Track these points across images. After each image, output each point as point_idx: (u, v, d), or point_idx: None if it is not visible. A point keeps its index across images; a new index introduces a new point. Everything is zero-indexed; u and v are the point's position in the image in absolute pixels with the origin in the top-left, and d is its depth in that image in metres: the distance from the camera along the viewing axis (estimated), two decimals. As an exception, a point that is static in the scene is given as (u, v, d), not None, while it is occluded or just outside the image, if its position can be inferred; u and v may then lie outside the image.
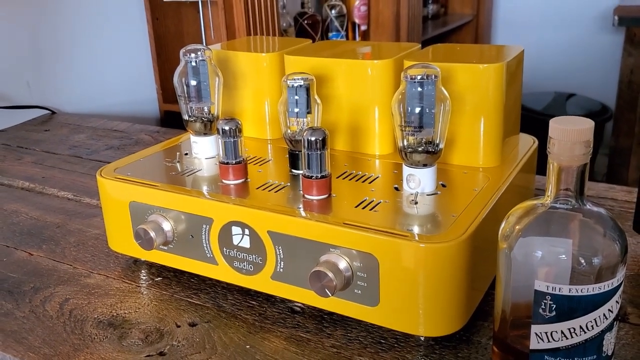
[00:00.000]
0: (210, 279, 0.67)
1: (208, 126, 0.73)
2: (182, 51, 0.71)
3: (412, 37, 2.33)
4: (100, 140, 1.19)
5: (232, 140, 0.64)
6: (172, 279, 0.69)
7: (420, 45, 0.74)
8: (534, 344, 0.44)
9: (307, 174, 0.60)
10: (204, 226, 0.62)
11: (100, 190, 0.70)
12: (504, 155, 0.67)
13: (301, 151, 0.66)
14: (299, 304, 0.63)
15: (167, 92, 1.63)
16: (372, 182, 0.64)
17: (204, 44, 1.65)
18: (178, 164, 0.72)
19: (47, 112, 1.39)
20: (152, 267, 0.71)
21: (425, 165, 0.60)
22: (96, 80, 1.52)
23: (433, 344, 0.56)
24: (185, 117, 0.73)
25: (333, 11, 2.11)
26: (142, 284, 0.68)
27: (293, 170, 0.67)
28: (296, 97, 0.65)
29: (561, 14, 3.03)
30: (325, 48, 0.79)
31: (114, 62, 1.55)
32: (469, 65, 0.63)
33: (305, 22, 1.99)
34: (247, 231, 0.59)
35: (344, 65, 0.70)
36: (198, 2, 1.58)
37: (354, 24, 2.23)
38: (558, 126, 0.41)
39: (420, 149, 0.60)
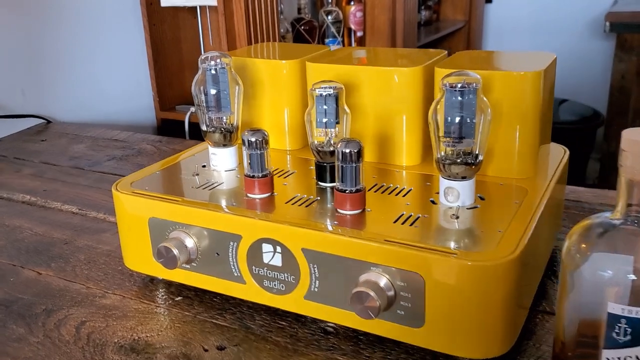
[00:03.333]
0: (235, 298, 0.64)
1: (228, 137, 0.70)
2: (200, 58, 0.68)
3: (407, 43, 2.32)
4: (100, 151, 1.15)
5: (258, 152, 0.61)
6: (193, 298, 0.65)
7: (446, 52, 0.72)
8: (605, 369, 0.41)
9: (340, 187, 0.57)
10: (232, 243, 0.59)
11: (116, 205, 0.66)
12: (538, 165, 0.65)
13: (328, 163, 0.63)
14: (332, 324, 0.59)
15: (164, 99, 1.59)
16: (405, 195, 0.61)
17: (202, 51, 1.62)
18: (197, 177, 0.68)
19: (42, 121, 1.35)
20: (170, 285, 0.68)
21: (464, 178, 0.57)
22: (92, 87, 1.47)
23: (479, 366, 0.53)
24: (204, 127, 0.70)
25: (329, 17, 2.09)
26: (161, 304, 0.65)
27: (320, 183, 0.64)
28: (325, 107, 0.62)
29: (552, 20, 3.04)
30: (345, 55, 0.76)
31: (110, 70, 1.51)
32: (506, 73, 0.61)
33: (302, 27, 1.97)
34: (279, 249, 0.56)
35: (371, 72, 0.67)
36: (196, 7, 1.54)
37: (349, 29, 2.21)
38: (633, 138, 0.39)
39: (459, 160, 0.57)
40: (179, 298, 0.65)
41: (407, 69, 0.66)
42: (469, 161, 0.57)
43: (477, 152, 0.57)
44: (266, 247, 0.57)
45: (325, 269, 0.55)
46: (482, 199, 0.59)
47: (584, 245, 0.42)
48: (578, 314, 0.43)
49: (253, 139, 0.61)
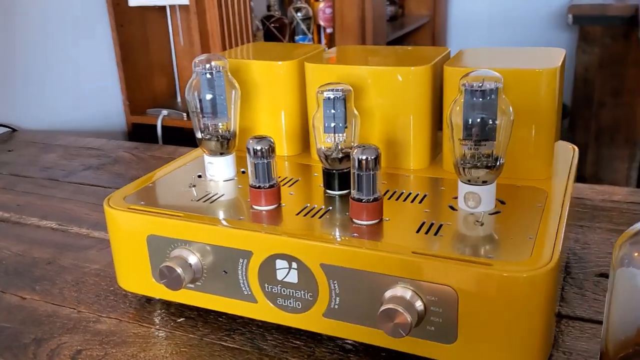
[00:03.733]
0: (242, 317, 0.60)
1: (225, 145, 0.65)
2: (194, 61, 0.64)
3: (377, 39, 2.29)
4: (74, 160, 1.09)
5: (264, 161, 0.57)
6: (196, 319, 0.61)
7: (449, 50, 0.69)
8: (667, 385, 0.39)
9: (356, 196, 0.54)
10: (241, 260, 0.55)
11: (109, 222, 0.61)
12: (553, 165, 0.63)
13: (338, 170, 0.60)
14: (350, 342, 0.56)
15: (134, 103, 1.53)
16: (421, 201, 0.58)
17: (173, 51, 1.56)
18: (194, 189, 0.64)
19: (7, 129, 1.27)
20: (169, 305, 0.63)
21: (484, 182, 0.55)
22: (58, 93, 1.40)
23: (512, 380, 0.50)
24: (199, 135, 0.66)
25: (299, 14, 2.05)
26: (163, 327, 0.60)
27: (329, 191, 0.61)
28: (333, 111, 0.59)
29: (516, 13, 3.06)
30: (343, 55, 0.73)
31: (77, 73, 1.44)
32: (522, 70, 0.58)
33: (273, 25, 1.92)
34: (294, 265, 0.53)
35: (375, 73, 0.64)
36: (166, 7, 1.49)
37: (319, 26, 2.17)
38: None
39: (479, 164, 0.54)
40: (181, 319, 0.61)
41: (414, 68, 0.63)
42: (490, 164, 0.54)
43: (498, 155, 0.54)
44: (280, 264, 0.53)
45: (347, 285, 0.51)
46: (502, 203, 0.57)
47: (636, 254, 0.40)
48: (630, 325, 0.41)
49: (259, 147, 0.57)
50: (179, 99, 1.58)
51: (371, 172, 0.53)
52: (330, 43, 2.18)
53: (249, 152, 0.57)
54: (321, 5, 2.13)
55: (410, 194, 0.60)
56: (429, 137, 0.65)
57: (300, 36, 2.09)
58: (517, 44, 3.06)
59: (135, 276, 0.61)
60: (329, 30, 2.18)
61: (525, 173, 0.61)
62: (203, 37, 1.35)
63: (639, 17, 2.38)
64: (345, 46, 0.77)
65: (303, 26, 2.06)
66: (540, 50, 0.67)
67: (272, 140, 0.58)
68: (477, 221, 0.53)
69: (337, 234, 0.53)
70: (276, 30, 1.95)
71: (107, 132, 1.51)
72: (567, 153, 0.68)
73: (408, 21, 2.95)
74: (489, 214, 0.55)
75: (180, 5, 1.46)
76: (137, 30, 1.51)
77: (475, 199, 0.55)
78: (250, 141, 0.57)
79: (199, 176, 0.67)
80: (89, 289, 0.67)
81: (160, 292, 0.60)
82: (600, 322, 0.57)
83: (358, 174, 0.53)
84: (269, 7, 1.97)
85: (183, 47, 1.53)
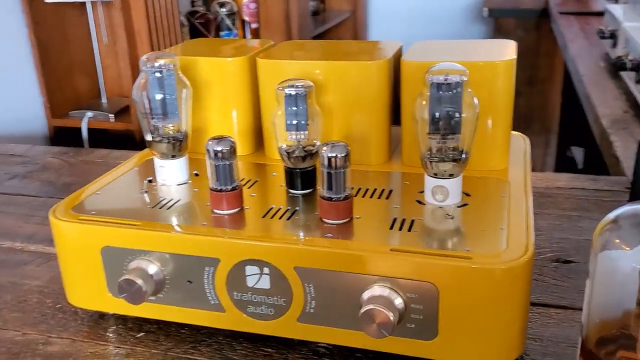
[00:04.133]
0: (206, 327, 0.57)
1: (177, 147, 0.62)
2: (142, 60, 0.60)
3: (303, 34, 2.28)
4: (-4, 168, 1.01)
5: (226, 163, 0.55)
6: (157, 332, 0.57)
7: (401, 44, 0.69)
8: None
9: (326, 195, 0.52)
10: (207, 268, 0.52)
11: (56, 235, 0.57)
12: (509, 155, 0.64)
13: (301, 169, 0.58)
14: (323, 345, 0.55)
15: (55, 105, 1.44)
16: (388, 197, 0.57)
17: (96, 50, 1.49)
18: (146, 195, 0.60)
19: None
20: (125, 320, 0.59)
21: (451, 175, 0.55)
22: (-30, 97, 1.30)
23: (490, 372, 0.51)
24: (149, 137, 0.62)
25: (223, 9, 2.00)
26: (122, 343, 0.56)
27: (292, 191, 0.59)
28: (295, 108, 0.57)
29: (434, 7, 3.14)
30: (294, 50, 0.71)
31: (-10, 75, 1.34)
32: (479, 63, 0.59)
33: (198, 21, 1.87)
34: (266, 270, 0.50)
35: (334, 67, 0.63)
36: (85, 3, 1.41)
37: (244, 21, 2.14)
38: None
39: (446, 157, 0.54)
40: (141, 334, 0.57)
41: (374, 62, 0.62)
42: (456, 157, 0.54)
43: (464, 148, 0.54)
44: (251, 270, 0.51)
45: (323, 288, 0.49)
46: (467, 195, 0.57)
47: (617, 241, 0.40)
48: (610, 308, 0.42)
49: (219, 148, 0.54)
50: (104, 100, 1.51)
51: (341, 170, 0.52)
52: (256, 38, 2.15)
53: (208, 154, 0.55)
54: (245, 0, 2.09)
55: (375, 190, 0.59)
56: (388, 132, 0.65)
57: (226, 32, 2.04)
58: (435, 37, 3.13)
59: (88, 291, 0.57)
60: (254, 26, 2.15)
61: (484, 164, 0.62)
62: (129, 34, 1.29)
63: (549, 9, 2.49)
64: (291, 41, 0.75)
65: (228, 22, 2.02)
66: (491, 42, 0.67)
67: (232, 140, 0.55)
68: (448, 214, 0.53)
69: (310, 235, 0.51)
70: (201, 26, 1.90)
71: (27, 137, 1.41)
72: (519, 143, 0.69)
73: (330, 16, 2.96)
74: (458, 207, 0.54)
75: (102, 2, 1.39)
76: (55, 28, 1.42)
77: (444, 192, 0.55)
78: (210, 142, 0.55)
79: (149, 181, 0.63)
80: (33, 308, 0.62)
81: (117, 306, 0.56)
82: (565, 307, 0.58)
83: (328, 172, 0.52)
84: (192, 3, 1.91)
85: (106, 45, 1.46)
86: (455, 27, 3.12)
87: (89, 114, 1.42)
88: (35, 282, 0.67)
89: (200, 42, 0.78)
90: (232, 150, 0.55)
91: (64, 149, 1.09)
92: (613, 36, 1.41)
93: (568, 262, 0.66)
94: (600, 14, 2.12)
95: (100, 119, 1.43)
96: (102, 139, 1.46)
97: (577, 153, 1.86)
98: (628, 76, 1.21)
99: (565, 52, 1.74)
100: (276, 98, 0.58)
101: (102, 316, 0.60)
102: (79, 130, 1.43)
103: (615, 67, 1.22)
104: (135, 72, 1.33)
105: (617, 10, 1.51)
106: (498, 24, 2.93)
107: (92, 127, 1.43)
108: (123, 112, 1.46)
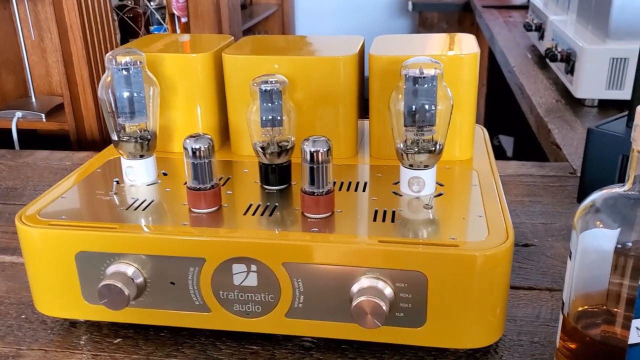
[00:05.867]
0: (186, 328, 0.56)
1: (145, 146, 0.60)
2: (108, 56, 0.58)
3: (233, 28, 2.26)
4: None
5: (204, 161, 0.54)
6: (135, 337, 0.56)
7: (363, 38, 0.70)
8: (634, 338, 0.43)
9: (308, 190, 0.53)
10: (192, 269, 0.51)
11: (24, 242, 0.54)
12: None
13: (278, 165, 0.58)
14: (308, 339, 0.55)
15: (-20, 105, 1.36)
16: (364, 190, 0.58)
17: (23, 46, 1.41)
18: (116, 197, 0.58)
19: None
20: (100, 327, 0.57)
21: (426, 167, 0.56)
22: None
23: (472, 353, 0.53)
24: (115, 137, 0.60)
25: (152, 3, 1.95)
26: (100, 351, 0.54)
27: (267, 187, 0.59)
28: (270, 104, 0.57)
29: (360, 2, 3.17)
30: (257, 45, 0.71)
31: None
32: (448, 56, 0.60)
33: (127, 15, 1.81)
34: (253, 267, 0.50)
35: (302, 62, 0.63)
36: (10, -4, 1.33)
37: (173, 15, 2.08)
38: (648, 114, 0.40)
39: (423, 149, 0.56)
40: (118, 340, 0.56)
41: (343, 57, 0.62)
42: (432, 149, 0.56)
43: (438, 139, 0.56)
44: (237, 268, 0.50)
45: (312, 282, 0.50)
46: (441, 185, 0.58)
47: (598, 222, 0.43)
48: (586, 284, 0.45)
49: (197, 146, 0.53)
50: (33, 99, 1.44)
51: (324, 164, 0.52)
52: (187, 32, 2.11)
53: (186, 152, 0.54)
54: (174, -7, 2.04)
55: (350, 183, 0.60)
56: (356, 126, 0.65)
57: (156, 26, 1.99)
58: (362, 31, 3.18)
59: (60, 299, 0.55)
60: (183, 20, 2.10)
61: (451, 154, 0.64)
62: (61, 30, 1.23)
63: (472, 3, 2.58)
64: (252, 37, 0.74)
65: (157, 16, 1.97)
66: (450, 36, 0.69)
67: (210, 137, 0.54)
68: (427, 205, 0.55)
69: (295, 230, 0.51)
70: (130, 21, 1.84)
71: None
72: (478, 133, 0.72)
73: (257, 10, 2.94)
74: (434, 197, 0.56)
75: (28, -5, 1.32)
76: (-23, 23, 1.34)
77: (420, 183, 0.56)
78: (188, 140, 0.54)
79: (117, 182, 0.61)
80: (-4, 320, 0.59)
81: (93, 313, 0.54)
82: (532, 288, 0.62)
83: (310, 167, 0.52)
84: (120, -4, 1.85)
85: (35, 42, 1.39)
86: (381, 21, 3.17)
87: (19, 113, 1.34)
88: (-7, 292, 0.64)
89: (154, 38, 0.76)
90: (211, 148, 0.54)
91: (1, 152, 1.03)
92: (539, 29, 1.49)
93: (527, 246, 0.69)
94: (521, 7, 2.23)
95: (30, 118, 1.36)
96: (32, 139, 1.40)
97: (506, 142, 1.94)
98: (557, 67, 1.28)
99: (493, 44, 1.81)
100: (250, 94, 0.57)
101: (73, 324, 0.58)
102: (6, 131, 1.36)
103: (546, 58, 1.28)
104: (69, 69, 1.27)
105: (540, 3, 1.59)
106: (422, 18, 3.01)
107: (21, 128, 1.36)
108: (55, 111, 1.39)
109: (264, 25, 2.98)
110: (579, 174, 0.86)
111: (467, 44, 0.64)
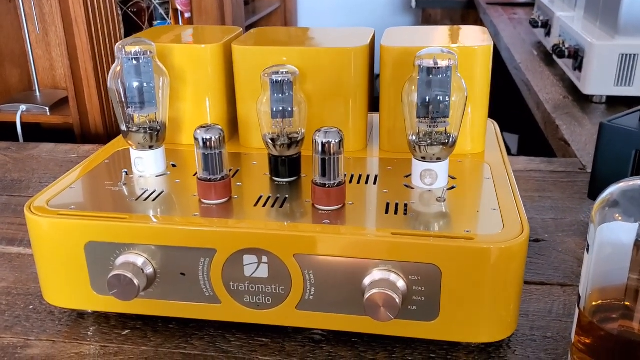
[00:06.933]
0: (195, 320, 0.55)
1: (154, 137, 0.60)
2: (117, 46, 0.57)
3: (236, 24, 2.25)
4: None
5: (215, 152, 0.53)
6: (143, 328, 0.56)
7: (374, 30, 0.69)
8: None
9: (320, 181, 0.52)
10: (202, 260, 0.51)
11: (33, 232, 0.53)
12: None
13: (288, 156, 0.57)
14: (319, 332, 0.54)
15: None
16: (375, 182, 0.58)
17: (27, 40, 1.40)
18: (125, 187, 0.58)
19: None
20: (108, 318, 0.57)
21: (439, 159, 0.56)
22: None
23: (485, 348, 0.52)
24: (124, 127, 0.60)
25: (156, -2, 1.94)
26: (109, 342, 0.54)
27: (277, 179, 0.58)
28: (281, 95, 0.56)
29: (364, -3, 3.17)
30: (266, 37, 0.70)
31: None
32: (461, 47, 0.60)
33: (130, 10, 1.80)
34: (265, 259, 0.50)
35: (313, 53, 0.62)
36: (15, -11, 1.33)
37: (176, 10, 2.08)
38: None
39: (436, 141, 0.55)
40: (127, 331, 0.55)
41: (354, 48, 0.62)
42: (445, 141, 0.55)
43: (452, 132, 0.55)
44: (249, 259, 0.50)
45: (323, 274, 0.49)
46: (453, 178, 0.58)
47: (617, 215, 0.43)
48: (605, 278, 0.44)
49: (208, 137, 0.53)
50: (37, 93, 1.43)
51: (335, 156, 0.52)
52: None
53: (197, 143, 0.53)
54: (178, -12, 2.04)
55: (360, 176, 0.59)
56: (366, 118, 0.65)
57: (159, 21, 1.98)
58: (365, 26, 3.17)
59: (69, 289, 0.54)
60: (187, 15, 2.10)
61: (463, 148, 0.63)
62: (66, 23, 1.23)
63: (475, 0, 2.57)
64: (259, 28, 0.74)
65: (161, 10, 1.96)
66: (463, 28, 0.69)
67: (221, 128, 0.54)
68: (440, 197, 0.54)
69: (306, 222, 0.51)
70: (134, 15, 1.83)
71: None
72: (490, 127, 0.71)
73: (260, 6, 2.93)
74: (447, 190, 0.56)
75: (33, -12, 1.32)
76: (-19, 16, 1.33)
77: (432, 176, 0.56)
78: (199, 131, 0.53)
79: (126, 173, 0.60)
80: (4, 311, 0.59)
81: (101, 304, 0.54)
82: (544, 284, 0.61)
83: (322, 159, 0.51)
84: (125, -9, 1.84)
85: (38, 35, 1.38)
86: (384, 17, 3.16)
87: (23, 107, 1.34)
88: (2, 284, 0.63)
89: (163, 30, 0.76)
90: (222, 139, 0.53)
91: (5, 144, 1.02)
92: (546, 25, 1.48)
93: (538, 241, 0.69)
94: (525, 4, 2.22)
95: (34, 112, 1.35)
96: (37, 133, 1.39)
97: (510, 139, 1.93)
98: (564, 63, 1.27)
99: (498, 41, 1.80)
100: (261, 85, 0.57)
101: (81, 315, 0.57)
102: (10, 124, 1.35)
103: (553, 55, 1.27)
104: (73, 63, 1.26)
105: (546, 0, 1.58)
106: (426, 15, 3.01)
107: (25, 122, 1.36)
108: (59, 105, 1.39)
109: (267, 22, 2.98)
110: (588, 170, 0.85)
111: (479, 36, 0.64)
